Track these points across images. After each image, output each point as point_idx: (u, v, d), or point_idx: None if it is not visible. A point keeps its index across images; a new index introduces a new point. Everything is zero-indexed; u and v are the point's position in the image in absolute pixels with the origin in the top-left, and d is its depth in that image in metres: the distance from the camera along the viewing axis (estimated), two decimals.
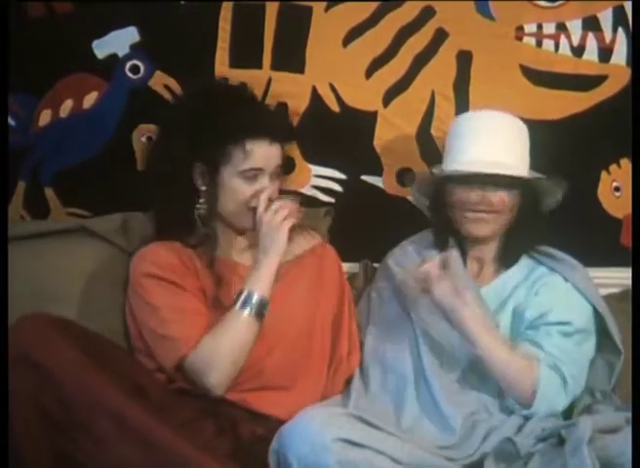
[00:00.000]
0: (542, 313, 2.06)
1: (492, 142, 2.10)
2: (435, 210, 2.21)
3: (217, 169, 2.01)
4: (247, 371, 1.98)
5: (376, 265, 2.35)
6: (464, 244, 2.18)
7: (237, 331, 1.93)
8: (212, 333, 1.93)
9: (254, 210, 2.01)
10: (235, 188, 2.02)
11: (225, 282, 2.04)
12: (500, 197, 2.09)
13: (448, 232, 2.18)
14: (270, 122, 2.05)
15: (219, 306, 2.01)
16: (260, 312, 1.94)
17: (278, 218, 1.96)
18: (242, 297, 1.94)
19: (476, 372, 2.04)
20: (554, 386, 2.00)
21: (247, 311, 1.93)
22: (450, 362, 2.06)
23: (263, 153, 2.01)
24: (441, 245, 2.18)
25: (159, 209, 2.13)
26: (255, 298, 1.94)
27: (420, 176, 2.28)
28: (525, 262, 2.18)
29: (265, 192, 2.00)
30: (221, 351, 1.91)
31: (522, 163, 2.12)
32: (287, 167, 2.34)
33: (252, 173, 2.01)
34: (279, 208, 1.97)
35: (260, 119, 2.03)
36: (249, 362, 1.96)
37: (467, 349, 1.99)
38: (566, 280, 2.13)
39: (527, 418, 1.98)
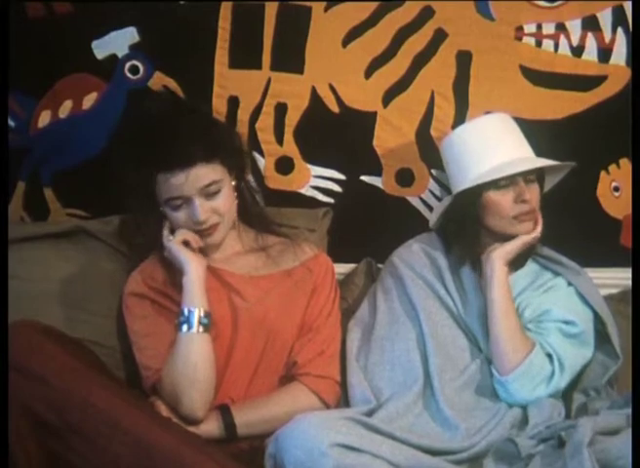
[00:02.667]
0: (544, 310, 2.08)
1: (508, 142, 2.12)
2: (458, 224, 2.18)
3: (153, 198, 2.03)
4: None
5: (379, 266, 2.35)
6: (478, 246, 2.17)
7: (190, 354, 1.93)
8: (170, 363, 1.94)
9: (197, 231, 2.03)
10: (169, 215, 2.03)
11: (207, 287, 2.02)
12: (536, 190, 2.11)
13: (475, 245, 2.17)
14: (180, 150, 1.97)
15: None
16: (203, 323, 1.95)
17: (173, 244, 2.00)
18: (181, 319, 1.95)
19: (482, 376, 2.06)
20: (539, 372, 2.00)
21: (190, 329, 1.94)
22: (455, 364, 2.07)
23: (177, 182, 1.96)
24: (461, 253, 2.18)
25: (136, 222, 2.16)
26: (193, 314, 1.95)
27: (443, 203, 2.23)
28: (531, 267, 2.19)
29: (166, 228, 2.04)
30: (182, 379, 1.92)
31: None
32: (286, 167, 2.35)
33: (175, 202, 2.00)
34: (176, 234, 2.01)
35: (168, 149, 1.97)
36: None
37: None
38: (569, 284, 2.14)
39: (525, 410, 1.99)
